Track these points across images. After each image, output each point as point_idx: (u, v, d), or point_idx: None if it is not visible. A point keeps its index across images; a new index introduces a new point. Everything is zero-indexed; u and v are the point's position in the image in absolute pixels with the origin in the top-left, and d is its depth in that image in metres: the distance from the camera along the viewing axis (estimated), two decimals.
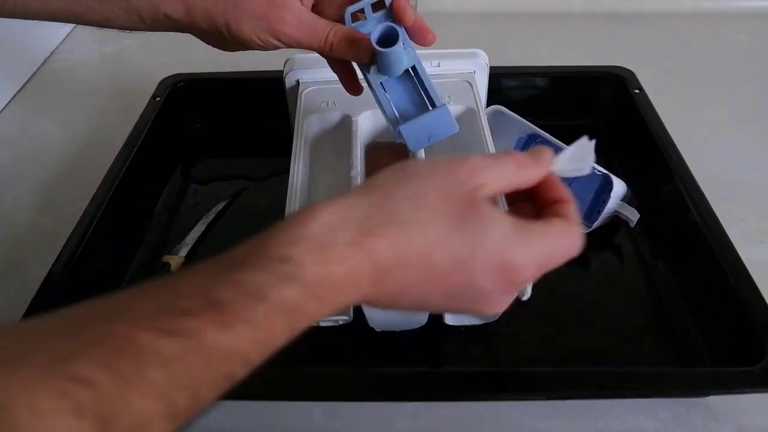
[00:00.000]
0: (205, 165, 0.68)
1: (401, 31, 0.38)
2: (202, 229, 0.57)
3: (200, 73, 0.71)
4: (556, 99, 0.70)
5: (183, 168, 0.68)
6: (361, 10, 0.40)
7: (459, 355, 0.48)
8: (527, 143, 0.62)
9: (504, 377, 0.43)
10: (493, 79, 0.63)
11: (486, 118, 0.56)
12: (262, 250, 0.23)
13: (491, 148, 0.52)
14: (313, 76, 0.57)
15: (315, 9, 0.42)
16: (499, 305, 0.29)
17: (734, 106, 0.75)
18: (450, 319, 0.47)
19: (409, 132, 0.41)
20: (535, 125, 0.61)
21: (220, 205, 0.60)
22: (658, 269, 0.54)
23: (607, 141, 0.67)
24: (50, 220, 0.61)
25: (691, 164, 0.56)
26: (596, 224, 0.55)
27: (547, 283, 0.51)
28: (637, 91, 0.66)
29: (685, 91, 0.77)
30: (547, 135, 0.60)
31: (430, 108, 0.40)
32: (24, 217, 0.62)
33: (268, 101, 0.67)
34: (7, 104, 0.78)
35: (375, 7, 0.40)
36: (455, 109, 0.57)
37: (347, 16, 0.40)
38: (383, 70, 0.39)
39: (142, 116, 0.64)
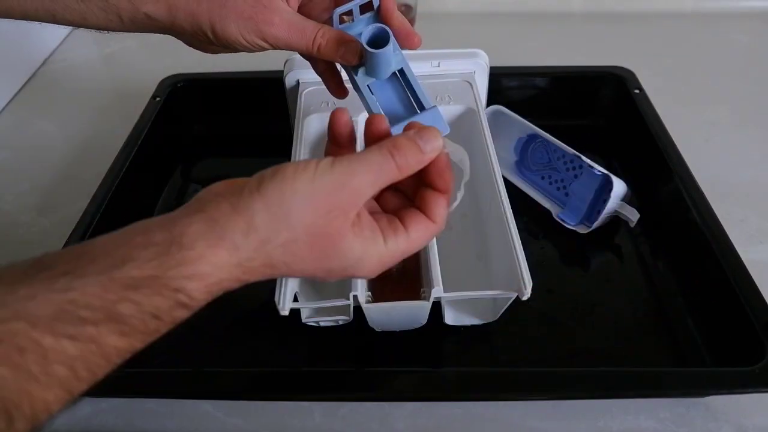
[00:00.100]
0: (205, 165, 0.69)
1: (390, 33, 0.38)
2: None
3: (200, 73, 0.71)
4: (556, 99, 0.70)
5: (183, 168, 0.68)
6: (348, 12, 0.40)
7: (459, 355, 0.48)
8: (527, 143, 0.62)
9: (504, 377, 0.43)
10: (493, 79, 0.63)
11: (486, 118, 0.56)
12: (160, 279, 0.26)
13: (491, 149, 0.52)
14: (313, 76, 0.57)
15: (301, 11, 0.42)
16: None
17: (734, 106, 0.75)
18: (450, 319, 0.47)
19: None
20: (535, 125, 0.61)
21: None
22: (658, 269, 0.54)
23: (607, 141, 0.68)
24: (50, 220, 0.61)
25: (691, 164, 0.56)
26: (596, 224, 0.55)
27: (547, 283, 0.51)
28: (637, 91, 0.66)
29: (685, 91, 0.78)
30: (547, 135, 0.60)
31: (419, 111, 0.39)
32: (24, 217, 0.62)
33: (268, 101, 0.67)
34: (7, 104, 0.78)
35: (362, 9, 0.40)
36: (455, 109, 0.57)
37: (335, 18, 0.40)
38: (372, 72, 0.39)
39: (142, 116, 0.64)
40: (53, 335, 0.23)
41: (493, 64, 0.62)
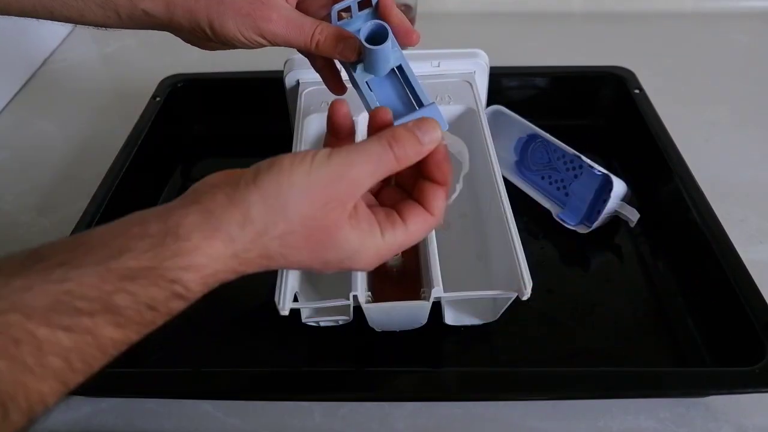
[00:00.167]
0: (205, 165, 0.68)
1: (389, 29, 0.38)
2: None
3: (200, 73, 0.71)
4: (556, 99, 0.70)
5: (183, 168, 0.68)
6: (347, 9, 0.40)
7: (459, 355, 0.48)
8: (527, 143, 0.62)
9: (504, 377, 0.43)
10: (493, 79, 0.63)
11: (486, 118, 0.56)
12: (156, 270, 0.26)
13: (491, 149, 0.52)
14: (313, 76, 0.57)
15: (299, 7, 0.42)
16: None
17: (734, 106, 0.75)
18: (450, 319, 0.47)
19: None
20: (535, 125, 0.61)
21: None
22: (658, 269, 0.54)
23: (607, 141, 0.68)
24: (50, 220, 0.61)
25: (691, 164, 0.56)
26: (596, 224, 0.55)
27: (547, 283, 0.51)
28: (637, 91, 0.66)
29: (685, 91, 0.77)
30: (547, 135, 0.60)
31: (417, 107, 0.39)
32: (24, 217, 0.62)
33: (268, 101, 0.67)
34: (7, 104, 0.78)
35: (361, 6, 0.40)
36: (455, 109, 0.57)
37: (333, 14, 0.40)
38: (370, 68, 0.39)
39: (142, 116, 0.65)
40: (48, 326, 0.23)
41: (493, 64, 0.62)
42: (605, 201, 0.54)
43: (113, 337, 0.25)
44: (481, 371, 0.45)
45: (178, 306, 0.28)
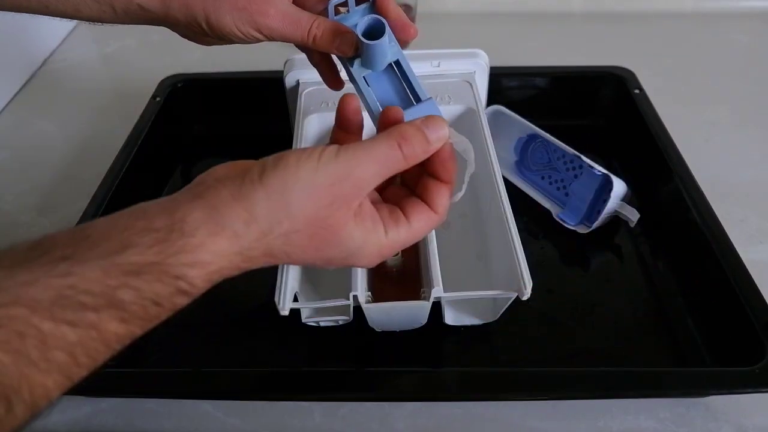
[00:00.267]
0: (205, 165, 0.67)
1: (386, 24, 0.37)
2: None
3: (200, 73, 0.71)
4: (556, 99, 0.70)
5: (183, 168, 0.68)
6: (344, 3, 0.40)
7: (459, 355, 0.48)
8: (527, 143, 0.62)
9: (504, 377, 0.43)
10: (493, 79, 0.63)
11: (486, 118, 0.56)
12: (160, 266, 0.26)
13: (491, 149, 0.52)
14: (313, 76, 0.57)
15: (296, 2, 0.41)
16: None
17: (734, 106, 0.75)
18: (450, 319, 0.47)
19: None
20: (535, 125, 0.61)
21: None
22: (658, 269, 0.54)
23: (607, 141, 0.68)
24: (50, 220, 0.61)
25: (691, 164, 0.56)
26: (596, 224, 0.55)
27: (547, 283, 0.51)
28: (637, 91, 0.66)
29: (685, 91, 0.77)
30: (547, 135, 0.60)
31: (415, 103, 0.39)
32: (24, 217, 0.62)
33: (268, 101, 0.67)
34: (7, 104, 0.78)
35: (358, 0, 0.40)
36: (455, 109, 0.57)
37: (330, 9, 0.40)
38: (367, 63, 0.39)
39: (142, 116, 0.64)
40: (53, 321, 0.23)
41: (493, 64, 0.62)
42: (605, 201, 0.54)
43: (118, 331, 0.25)
44: (481, 371, 0.45)
45: (182, 301, 0.28)
